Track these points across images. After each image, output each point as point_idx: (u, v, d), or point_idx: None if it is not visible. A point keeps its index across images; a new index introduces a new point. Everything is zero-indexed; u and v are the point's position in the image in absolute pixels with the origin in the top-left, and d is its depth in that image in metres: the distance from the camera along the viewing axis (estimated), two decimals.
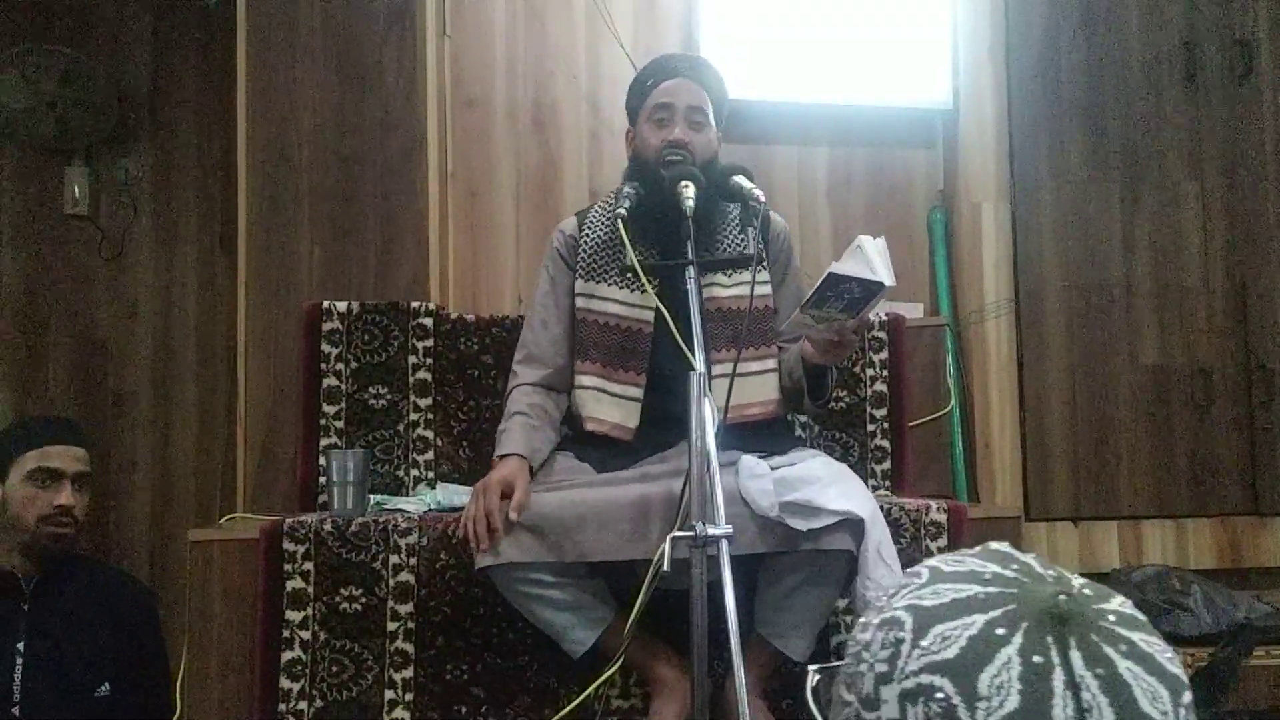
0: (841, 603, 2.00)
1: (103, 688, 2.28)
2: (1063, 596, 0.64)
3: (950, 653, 0.63)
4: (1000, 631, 0.63)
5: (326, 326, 2.40)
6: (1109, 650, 0.63)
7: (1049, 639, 0.62)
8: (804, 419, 2.45)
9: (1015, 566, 0.69)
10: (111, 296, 3.03)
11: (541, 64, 2.94)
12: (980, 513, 2.28)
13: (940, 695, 0.62)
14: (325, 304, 2.42)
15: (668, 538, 1.59)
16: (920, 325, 2.80)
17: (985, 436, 2.89)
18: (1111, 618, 0.65)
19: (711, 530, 1.55)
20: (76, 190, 3.01)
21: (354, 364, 2.40)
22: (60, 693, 2.23)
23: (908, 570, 0.73)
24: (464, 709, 1.99)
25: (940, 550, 2.07)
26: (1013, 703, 0.60)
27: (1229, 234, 3.01)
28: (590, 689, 1.83)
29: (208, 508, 2.95)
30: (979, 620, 0.64)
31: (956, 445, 2.88)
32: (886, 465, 2.47)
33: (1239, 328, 2.98)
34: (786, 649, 1.86)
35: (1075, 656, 0.62)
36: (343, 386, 2.39)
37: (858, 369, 2.48)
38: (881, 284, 1.72)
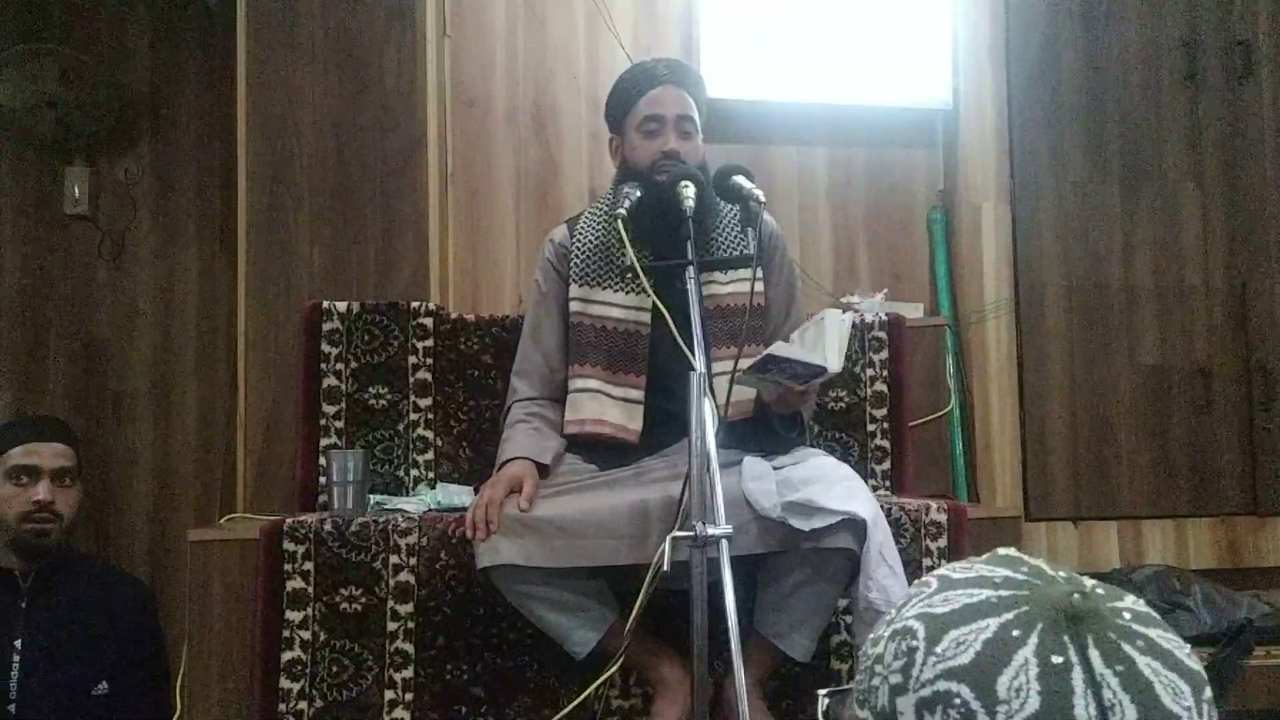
0: (841, 603, 2.00)
1: (100, 686, 2.28)
2: (1076, 596, 0.64)
3: (966, 657, 0.62)
4: (1015, 633, 0.62)
5: (326, 326, 2.40)
6: (1127, 648, 0.62)
7: (1065, 638, 0.62)
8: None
9: (1025, 569, 0.68)
10: (111, 296, 3.03)
11: (541, 64, 2.94)
12: (980, 513, 2.29)
13: (958, 701, 0.61)
14: (325, 304, 2.42)
15: (668, 538, 1.59)
16: (920, 325, 2.80)
17: (985, 436, 2.89)
18: (1127, 615, 0.64)
19: (711, 530, 1.55)
20: (76, 190, 3.00)
21: (354, 364, 2.40)
22: (57, 691, 2.24)
23: (916, 580, 0.72)
24: (464, 709, 1.99)
25: (940, 550, 2.08)
26: (1033, 704, 0.60)
27: (1229, 234, 3.01)
28: (590, 689, 1.83)
29: (208, 508, 2.94)
30: (993, 624, 0.63)
31: (956, 445, 2.88)
32: (886, 465, 2.47)
33: (1239, 328, 2.98)
34: (787, 648, 1.87)
35: (1094, 655, 0.61)
36: (343, 386, 2.39)
37: (858, 369, 2.48)
38: (824, 369, 1.73)
